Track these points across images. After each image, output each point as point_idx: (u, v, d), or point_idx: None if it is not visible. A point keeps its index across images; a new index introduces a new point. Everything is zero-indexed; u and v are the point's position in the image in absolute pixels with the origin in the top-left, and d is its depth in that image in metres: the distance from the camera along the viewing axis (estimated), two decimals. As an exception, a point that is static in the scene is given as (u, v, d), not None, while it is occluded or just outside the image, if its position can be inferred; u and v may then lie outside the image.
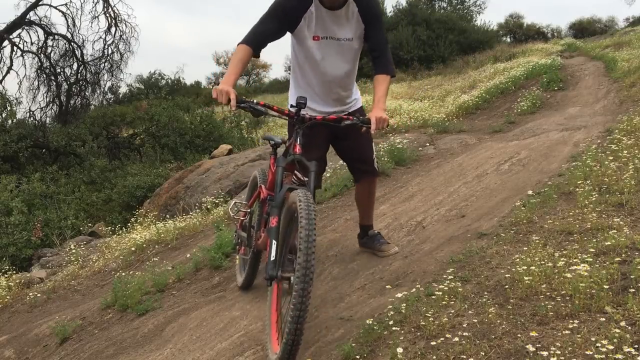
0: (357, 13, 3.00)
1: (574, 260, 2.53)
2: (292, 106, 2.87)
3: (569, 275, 2.36)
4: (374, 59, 3.10)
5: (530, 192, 3.95)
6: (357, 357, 2.23)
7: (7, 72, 17.99)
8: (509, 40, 31.28)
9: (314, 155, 2.91)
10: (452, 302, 2.44)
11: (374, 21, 3.05)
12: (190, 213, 6.20)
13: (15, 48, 18.16)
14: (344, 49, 3.05)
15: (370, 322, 2.40)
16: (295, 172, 2.89)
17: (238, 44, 2.94)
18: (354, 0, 2.97)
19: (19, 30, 18.26)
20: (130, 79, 44.12)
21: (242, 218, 3.63)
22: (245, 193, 3.99)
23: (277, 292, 2.61)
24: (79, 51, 18.82)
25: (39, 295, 4.92)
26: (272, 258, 2.53)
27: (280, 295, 2.62)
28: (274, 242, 2.57)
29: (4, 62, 18.07)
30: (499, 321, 2.19)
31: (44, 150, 16.37)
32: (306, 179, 2.78)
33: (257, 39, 2.94)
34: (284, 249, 2.62)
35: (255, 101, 2.82)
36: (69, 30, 18.52)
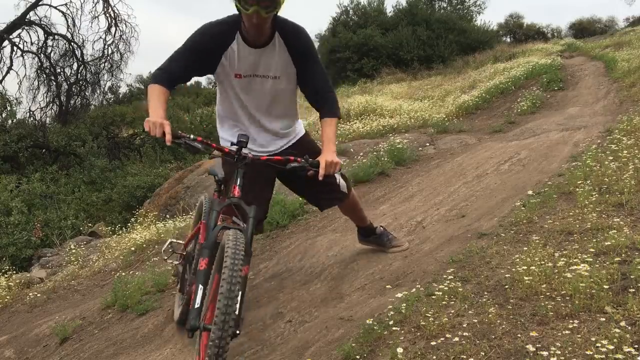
0: (285, 50, 2.74)
1: (574, 260, 2.53)
2: (232, 144, 2.58)
3: (569, 275, 2.36)
4: (315, 103, 2.85)
5: (530, 192, 3.95)
6: (357, 357, 2.23)
7: (7, 72, 18.01)
8: (508, 40, 31.28)
9: (258, 197, 2.70)
10: (452, 302, 2.44)
11: (306, 58, 2.78)
12: (190, 213, 6.20)
13: (15, 48, 18.17)
14: (271, 87, 2.81)
15: (370, 322, 2.40)
16: (234, 218, 2.57)
17: (150, 85, 2.66)
18: (281, 37, 2.72)
19: (19, 30, 18.27)
20: (130, 79, 44.15)
21: (176, 263, 3.29)
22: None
23: (206, 342, 2.15)
24: (79, 51, 18.84)
25: (39, 295, 4.92)
26: (197, 306, 2.23)
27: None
28: (200, 287, 2.27)
29: (4, 62, 18.09)
30: (499, 321, 2.19)
31: (44, 150, 16.37)
32: (244, 225, 2.48)
33: (170, 78, 2.68)
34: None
35: (192, 137, 2.50)
36: (69, 30, 18.53)
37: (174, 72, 2.68)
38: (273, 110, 2.90)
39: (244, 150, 2.57)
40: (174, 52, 2.71)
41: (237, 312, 2.09)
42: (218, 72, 2.77)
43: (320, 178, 2.55)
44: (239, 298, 2.10)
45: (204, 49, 2.69)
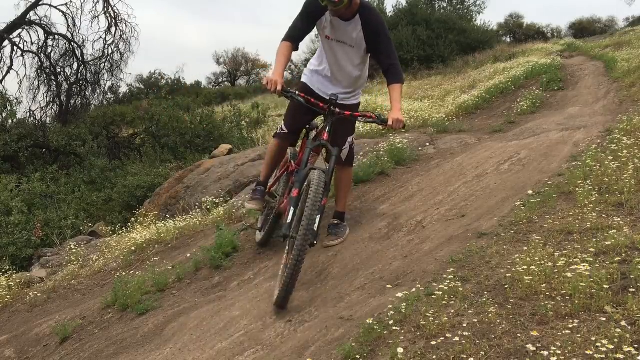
0: (360, 29, 3.59)
1: (574, 260, 2.53)
2: (325, 101, 3.55)
3: (569, 275, 2.36)
4: (385, 71, 3.68)
5: (530, 192, 3.95)
6: (357, 356, 2.23)
7: (8, 72, 17.97)
8: (508, 40, 31.28)
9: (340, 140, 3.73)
10: (452, 302, 2.44)
11: (378, 35, 3.62)
12: (191, 213, 6.20)
13: (15, 48, 18.14)
14: (347, 52, 3.70)
15: (371, 321, 2.41)
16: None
17: (281, 42, 3.58)
18: (361, 17, 3.58)
19: (19, 30, 18.24)
20: (130, 79, 44.13)
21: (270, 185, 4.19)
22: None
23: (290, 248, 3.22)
24: (79, 51, 18.79)
25: (39, 294, 4.92)
26: (289, 221, 3.13)
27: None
28: (292, 209, 3.17)
29: (4, 62, 18.06)
30: (499, 321, 2.19)
31: (44, 150, 16.34)
32: (326, 165, 3.43)
33: (293, 37, 3.59)
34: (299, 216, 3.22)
35: (297, 93, 3.55)
36: (69, 30, 18.49)
37: (295, 33, 3.61)
38: (346, 70, 3.77)
39: (334, 107, 3.50)
40: (294, 20, 3.64)
41: (315, 229, 3.04)
42: (318, 31, 3.70)
43: (389, 126, 3.44)
44: (317, 220, 3.04)
45: (312, 14, 3.61)
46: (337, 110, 3.51)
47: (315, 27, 3.71)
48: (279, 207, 3.87)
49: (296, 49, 3.64)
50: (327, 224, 4.04)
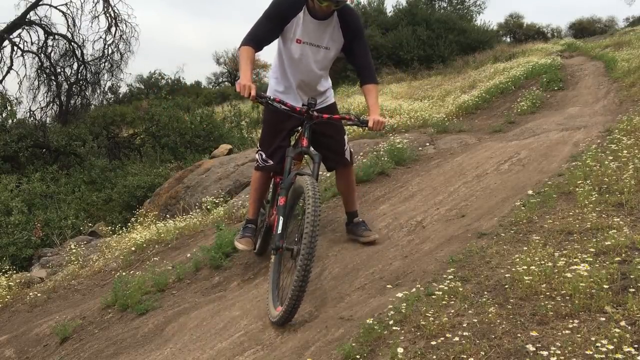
0: (339, 28, 3.34)
1: (574, 260, 2.53)
2: (303, 105, 3.26)
3: (569, 275, 2.36)
4: (359, 70, 3.47)
5: (530, 192, 3.95)
6: (357, 356, 2.23)
7: (8, 72, 17.99)
8: (508, 40, 31.30)
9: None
10: (452, 302, 2.44)
11: (356, 37, 3.40)
12: (191, 213, 6.20)
13: (15, 48, 18.16)
14: (321, 56, 3.41)
15: (371, 321, 2.41)
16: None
17: (240, 47, 3.23)
18: (338, 16, 3.31)
19: (19, 30, 18.26)
20: (130, 79, 44.16)
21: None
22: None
23: (280, 259, 3.04)
24: (79, 51, 18.83)
25: (39, 294, 4.92)
26: (279, 232, 2.93)
27: (282, 262, 3.05)
28: (281, 218, 2.97)
29: (4, 62, 18.08)
30: (499, 321, 2.19)
31: (44, 150, 16.36)
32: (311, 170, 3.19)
33: (257, 39, 3.25)
34: (289, 225, 3.06)
35: (272, 97, 3.21)
36: (69, 30, 18.52)
37: (260, 36, 3.27)
38: (316, 75, 3.48)
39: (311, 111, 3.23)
40: (258, 20, 3.30)
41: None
42: (284, 33, 3.33)
43: (370, 128, 3.19)
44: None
45: (281, 16, 3.27)
46: (315, 114, 3.24)
47: (281, 32, 3.34)
48: (268, 219, 3.73)
49: (259, 50, 3.28)
50: (354, 224, 3.89)
